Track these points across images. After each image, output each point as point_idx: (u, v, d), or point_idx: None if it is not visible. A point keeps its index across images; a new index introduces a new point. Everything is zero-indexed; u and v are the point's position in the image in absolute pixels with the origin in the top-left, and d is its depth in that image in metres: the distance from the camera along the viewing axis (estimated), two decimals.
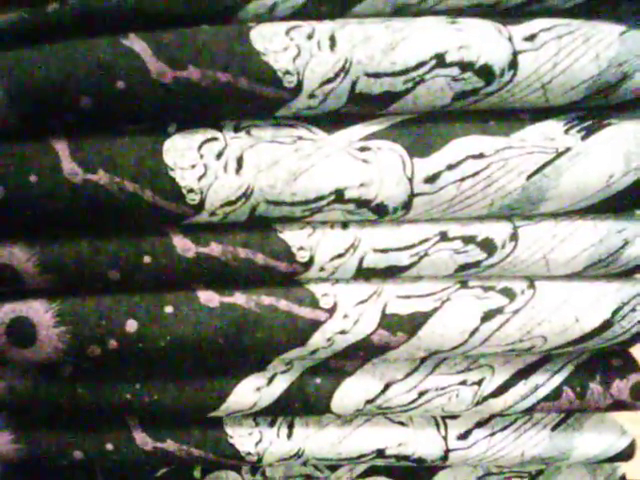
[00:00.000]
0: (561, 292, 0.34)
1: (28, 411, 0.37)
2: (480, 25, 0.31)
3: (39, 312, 0.34)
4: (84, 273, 0.33)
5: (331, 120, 0.32)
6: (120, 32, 0.31)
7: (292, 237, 0.33)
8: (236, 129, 0.32)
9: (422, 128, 0.32)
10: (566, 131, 0.33)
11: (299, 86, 0.31)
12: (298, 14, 0.31)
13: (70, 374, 0.35)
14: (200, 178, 0.31)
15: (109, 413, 0.35)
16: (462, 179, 0.32)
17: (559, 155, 0.32)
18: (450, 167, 0.32)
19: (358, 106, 0.32)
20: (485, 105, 0.32)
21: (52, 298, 0.34)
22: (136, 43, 0.31)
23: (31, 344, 0.34)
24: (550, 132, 0.32)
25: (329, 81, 0.31)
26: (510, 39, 0.31)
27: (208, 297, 0.33)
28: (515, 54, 0.31)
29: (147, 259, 0.32)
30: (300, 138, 0.32)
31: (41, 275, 0.33)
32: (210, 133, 0.32)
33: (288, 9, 0.31)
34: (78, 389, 0.35)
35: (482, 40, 0.31)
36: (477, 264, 0.33)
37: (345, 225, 0.33)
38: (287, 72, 0.31)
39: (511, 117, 0.33)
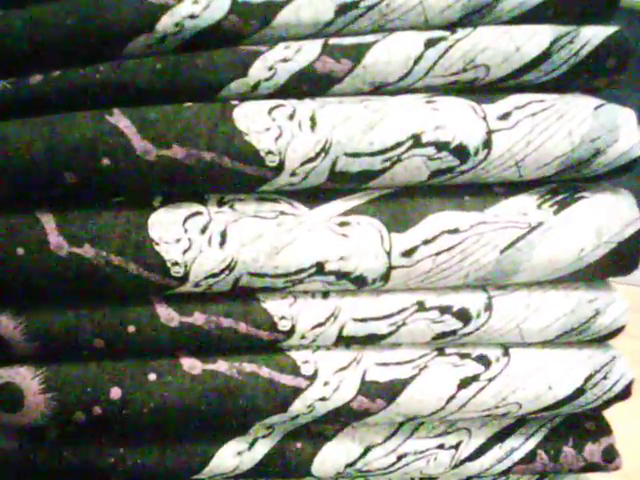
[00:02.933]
0: (535, 360, 0.35)
1: (13, 473, 0.37)
2: (456, 105, 0.33)
3: (26, 378, 0.34)
4: (70, 341, 0.33)
5: (312, 195, 0.34)
6: (104, 106, 0.32)
7: (274, 307, 0.34)
8: (220, 203, 0.33)
9: (399, 204, 0.34)
10: (539, 206, 0.34)
11: (281, 165, 0.32)
12: (280, 92, 0.33)
13: (55, 437, 0.36)
14: (185, 252, 0.32)
15: (93, 476, 0.36)
16: (438, 253, 0.33)
17: (532, 230, 0.33)
18: (426, 242, 0.33)
19: (338, 183, 0.33)
20: (460, 181, 0.34)
21: (39, 365, 0.34)
22: (121, 120, 0.32)
23: (18, 409, 0.34)
24: (523, 207, 0.34)
25: (310, 160, 0.32)
26: (485, 118, 0.33)
27: (191, 364, 0.34)
28: (489, 133, 0.32)
29: (131, 328, 0.33)
30: (282, 213, 0.33)
31: (28, 343, 0.34)
32: (194, 207, 0.33)
33: (270, 87, 0.33)
34: (63, 452, 0.36)
35: (457, 120, 0.32)
36: (453, 333, 0.34)
37: (326, 294, 0.34)
38: (269, 152, 0.32)
39: (486, 192, 0.34)
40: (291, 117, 0.32)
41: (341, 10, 0.33)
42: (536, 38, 0.33)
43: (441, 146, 0.32)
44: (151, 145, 0.31)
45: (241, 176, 0.32)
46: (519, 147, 0.32)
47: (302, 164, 0.32)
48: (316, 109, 0.32)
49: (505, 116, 0.33)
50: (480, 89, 0.34)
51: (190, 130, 0.31)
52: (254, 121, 0.32)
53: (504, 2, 0.33)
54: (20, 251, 0.32)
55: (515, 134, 0.32)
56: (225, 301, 0.33)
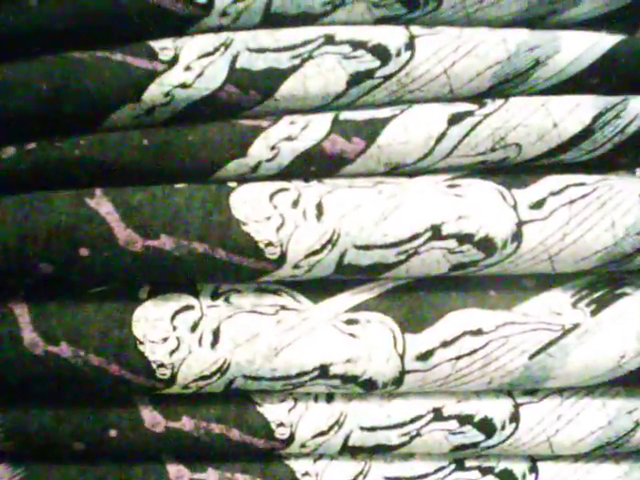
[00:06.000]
0: (566, 476, 0.31)
1: None
2: (482, 190, 0.29)
3: (3, 479, 0.31)
4: (48, 443, 0.30)
5: (317, 286, 0.30)
6: (84, 186, 0.29)
7: (271, 412, 0.30)
8: (214, 295, 0.30)
9: (415, 298, 0.30)
10: (574, 304, 0.30)
11: (282, 257, 0.28)
12: (283, 174, 0.29)
13: None
14: (172, 352, 0.29)
15: None
16: (458, 357, 0.29)
17: (566, 333, 0.29)
18: (445, 344, 0.29)
19: (346, 276, 0.29)
20: (485, 273, 0.30)
21: (17, 464, 0.31)
22: (102, 205, 0.28)
23: None
24: (556, 305, 0.30)
25: (315, 253, 0.28)
26: (515, 207, 0.29)
27: (178, 474, 0.30)
28: (520, 225, 0.28)
29: (113, 433, 0.30)
30: (283, 308, 0.30)
31: (5, 441, 0.30)
32: (185, 300, 0.29)
33: (273, 169, 0.29)
34: None
35: (483, 209, 0.28)
36: (474, 445, 0.30)
37: (330, 397, 0.30)
38: (270, 244, 0.28)
39: (514, 286, 0.30)
40: (295, 204, 0.28)
41: (354, 80, 0.29)
42: (577, 112, 0.29)
43: (464, 239, 0.28)
44: (136, 234, 0.28)
45: (238, 269, 0.28)
46: (553, 240, 0.28)
47: (306, 256, 0.28)
48: (323, 195, 0.28)
49: (538, 204, 0.29)
50: (510, 169, 0.30)
51: (180, 218, 0.28)
52: (253, 208, 0.28)
53: (541, 69, 0.29)
54: None
55: (549, 226, 0.28)
56: (217, 404, 0.30)
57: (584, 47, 0.30)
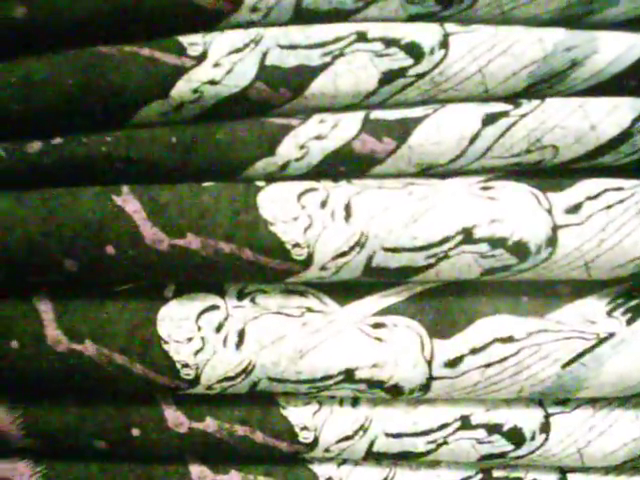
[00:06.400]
0: None
1: None
2: (516, 193, 0.28)
3: (24, 476, 0.31)
4: (70, 441, 0.30)
5: (344, 289, 0.29)
6: (110, 182, 0.28)
7: (296, 415, 0.29)
8: (240, 295, 0.29)
9: (444, 303, 0.29)
10: (609, 312, 0.29)
11: (309, 259, 0.28)
12: (312, 173, 0.29)
13: None
14: (197, 353, 0.28)
15: None
16: (487, 365, 0.28)
17: (600, 342, 0.28)
18: (474, 351, 0.28)
19: (374, 278, 0.29)
20: (518, 278, 0.29)
21: (38, 461, 0.31)
22: (129, 202, 0.28)
23: None
24: (591, 313, 0.29)
25: (342, 255, 0.27)
26: (550, 211, 0.28)
27: (201, 474, 0.30)
28: (555, 229, 0.28)
29: (135, 432, 0.29)
30: (309, 310, 0.29)
31: (26, 438, 0.30)
32: (211, 299, 0.29)
33: (301, 168, 0.28)
34: None
35: (517, 212, 0.28)
36: (503, 455, 0.29)
37: (355, 401, 0.30)
38: (297, 244, 0.27)
39: (547, 292, 0.29)
40: (323, 205, 0.28)
41: (386, 78, 0.28)
42: (615, 114, 0.28)
43: (496, 243, 0.27)
44: (162, 233, 0.27)
45: (264, 270, 0.28)
46: (590, 246, 0.28)
47: (334, 258, 0.28)
48: (352, 196, 0.28)
49: (575, 209, 0.28)
50: (546, 171, 0.29)
51: (208, 217, 0.27)
52: (281, 209, 0.27)
53: (578, 70, 0.28)
54: (14, 344, 0.28)
55: (586, 231, 0.27)
56: (241, 405, 0.29)
57: (623, 48, 0.29)
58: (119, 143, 0.28)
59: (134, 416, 0.30)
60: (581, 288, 0.29)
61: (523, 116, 0.28)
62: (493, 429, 0.29)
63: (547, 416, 0.29)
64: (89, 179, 0.29)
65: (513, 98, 0.29)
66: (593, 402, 0.30)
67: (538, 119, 0.28)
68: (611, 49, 0.28)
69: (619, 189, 0.28)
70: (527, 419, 0.29)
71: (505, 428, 0.29)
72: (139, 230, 0.27)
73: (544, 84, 0.29)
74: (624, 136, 0.28)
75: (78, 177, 0.29)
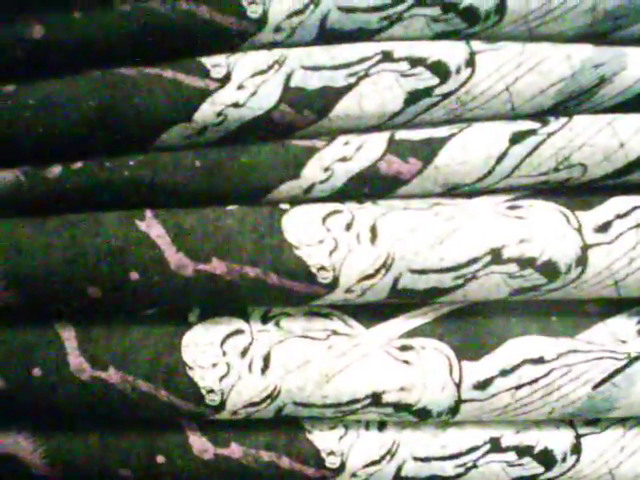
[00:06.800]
0: None
1: None
2: (545, 212, 0.28)
3: None
4: (94, 470, 0.29)
5: (369, 311, 0.29)
6: (133, 207, 0.28)
7: (322, 439, 0.29)
8: (264, 319, 0.29)
9: (473, 324, 0.29)
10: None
11: (335, 282, 0.27)
12: (337, 195, 0.28)
13: None
14: (222, 378, 0.28)
15: None
16: (518, 387, 0.28)
17: (631, 362, 0.28)
18: (504, 373, 0.28)
19: (400, 300, 0.28)
20: (546, 298, 0.29)
21: None
22: (153, 227, 0.27)
23: None
24: (621, 332, 0.28)
25: (368, 277, 0.27)
26: (579, 230, 0.28)
27: None
28: (585, 249, 0.27)
29: (160, 459, 0.29)
30: (335, 333, 0.29)
31: (49, 467, 0.30)
32: (235, 324, 0.29)
33: (326, 191, 0.28)
34: None
35: (546, 232, 0.27)
36: (534, 478, 0.28)
37: (382, 425, 0.29)
38: (322, 268, 0.27)
39: (577, 311, 0.29)
40: (348, 227, 0.27)
41: (412, 99, 0.28)
42: None
43: (525, 263, 0.27)
44: (187, 258, 0.27)
45: (289, 293, 0.27)
46: (620, 265, 0.27)
47: (359, 281, 0.27)
48: (377, 217, 0.27)
49: (604, 227, 0.27)
50: (573, 189, 0.29)
51: (232, 242, 0.27)
52: (306, 232, 0.27)
53: (607, 87, 0.28)
54: (37, 371, 0.28)
55: (616, 250, 0.27)
56: (266, 431, 0.29)
57: None
58: (142, 167, 0.28)
59: (159, 443, 0.29)
60: (611, 307, 0.29)
61: (551, 134, 0.28)
62: (524, 451, 0.29)
63: (578, 437, 0.29)
64: (111, 204, 0.28)
65: (540, 116, 0.29)
66: (623, 422, 0.29)
67: (566, 137, 0.28)
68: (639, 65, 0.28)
69: None
70: (558, 440, 0.29)
71: (536, 450, 0.29)
72: (164, 255, 0.27)
73: (572, 101, 0.28)
74: None
75: (100, 202, 0.28)
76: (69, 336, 0.29)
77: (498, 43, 0.29)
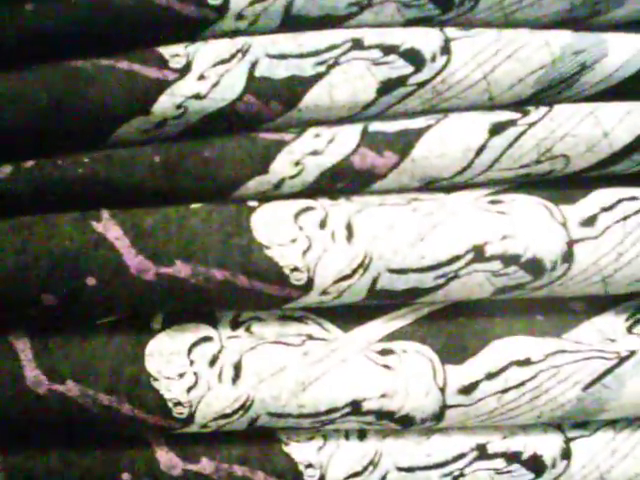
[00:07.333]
0: None
1: None
2: (527, 206, 0.26)
3: None
4: None
5: (346, 313, 0.27)
6: (89, 207, 0.26)
7: (299, 451, 0.27)
8: (234, 325, 0.27)
9: (454, 325, 0.27)
10: (629, 329, 0.27)
11: (309, 284, 0.26)
12: (309, 191, 0.27)
13: None
14: (190, 389, 0.26)
15: None
16: (504, 390, 0.26)
17: (621, 361, 0.26)
18: (490, 376, 0.26)
19: (378, 301, 0.27)
20: (531, 296, 0.27)
21: None
22: (110, 229, 0.26)
23: None
24: (610, 330, 0.27)
25: (345, 278, 0.25)
26: (564, 224, 0.26)
27: None
28: (571, 243, 0.26)
29: (126, 476, 0.27)
30: (310, 337, 0.27)
31: None
32: (203, 331, 0.27)
33: (296, 186, 0.26)
34: None
35: (530, 227, 0.26)
36: None
37: (363, 435, 0.28)
38: (295, 269, 0.25)
39: (563, 309, 0.27)
40: (322, 225, 0.26)
41: (385, 88, 0.26)
42: (628, 120, 0.27)
43: (509, 260, 0.26)
44: (148, 261, 0.25)
45: (260, 297, 0.26)
46: (607, 260, 0.26)
47: (335, 282, 0.26)
48: (353, 214, 0.26)
49: (590, 221, 0.26)
50: (556, 182, 0.28)
51: (197, 242, 0.25)
52: (277, 231, 0.25)
53: (588, 74, 0.27)
54: None
55: (603, 245, 0.26)
56: (239, 444, 0.27)
57: (633, 50, 0.27)
58: (97, 164, 0.26)
59: (123, 460, 0.27)
60: (598, 304, 0.28)
61: (532, 125, 0.26)
62: (512, 458, 0.27)
63: (567, 441, 0.28)
64: (65, 205, 0.27)
65: (520, 106, 0.27)
66: (613, 424, 0.28)
67: (548, 128, 0.26)
68: (621, 52, 0.27)
69: (634, 199, 0.27)
70: (547, 445, 0.27)
71: (524, 456, 0.27)
72: (122, 259, 0.25)
73: (552, 90, 0.27)
74: (638, 143, 0.27)
75: (53, 203, 0.27)
76: (24, 347, 0.27)
77: (473, 30, 0.27)
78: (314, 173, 0.26)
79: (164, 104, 0.26)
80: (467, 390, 0.26)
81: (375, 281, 0.26)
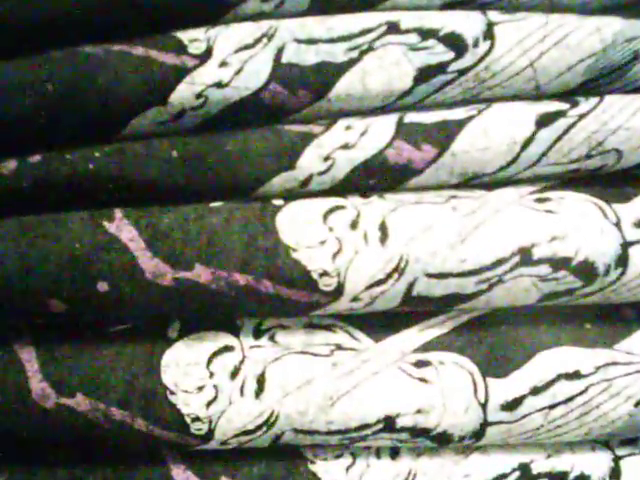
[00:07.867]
0: None
1: None
2: (578, 205, 0.24)
3: None
4: None
5: (378, 321, 0.25)
6: (101, 206, 0.24)
7: (326, 471, 0.25)
8: (257, 333, 0.25)
9: (496, 334, 0.25)
10: None
11: (339, 289, 0.23)
12: (338, 188, 0.25)
13: None
14: (209, 404, 0.24)
15: None
16: (551, 406, 0.24)
17: None
18: (536, 390, 0.24)
19: (414, 308, 0.25)
20: (580, 303, 0.25)
21: None
22: (123, 229, 0.24)
23: None
24: None
25: (378, 283, 0.23)
26: (618, 225, 0.24)
27: None
28: (625, 246, 0.24)
29: None
30: (339, 347, 0.25)
31: None
32: (223, 339, 0.25)
33: (326, 183, 0.24)
34: None
35: (582, 228, 0.24)
36: None
37: (395, 453, 0.26)
38: (324, 273, 0.23)
39: (613, 317, 0.25)
40: (354, 225, 0.24)
41: (423, 76, 0.24)
42: None
43: (559, 264, 0.23)
44: (165, 265, 0.23)
45: (286, 303, 0.24)
46: None
47: (368, 287, 0.24)
48: (387, 214, 0.24)
49: None
50: (607, 178, 0.26)
51: (218, 244, 0.23)
52: (304, 232, 0.23)
53: None
54: None
55: None
56: (261, 462, 0.25)
57: None
58: (109, 159, 0.24)
59: (138, 477, 0.26)
60: None
61: (582, 116, 0.24)
62: (557, 478, 0.25)
63: (616, 459, 0.26)
64: (74, 203, 0.25)
65: (568, 96, 0.25)
66: None
67: (599, 120, 0.24)
68: None
69: None
70: (594, 464, 0.25)
71: (571, 476, 0.25)
72: (137, 262, 0.23)
73: (602, 79, 0.25)
74: None
75: (62, 201, 0.25)
76: (29, 357, 0.25)
77: (518, 14, 0.25)
78: (345, 169, 0.24)
79: (182, 93, 0.24)
80: (511, 406, 0.24)
81: (411, 287, 0.24)
